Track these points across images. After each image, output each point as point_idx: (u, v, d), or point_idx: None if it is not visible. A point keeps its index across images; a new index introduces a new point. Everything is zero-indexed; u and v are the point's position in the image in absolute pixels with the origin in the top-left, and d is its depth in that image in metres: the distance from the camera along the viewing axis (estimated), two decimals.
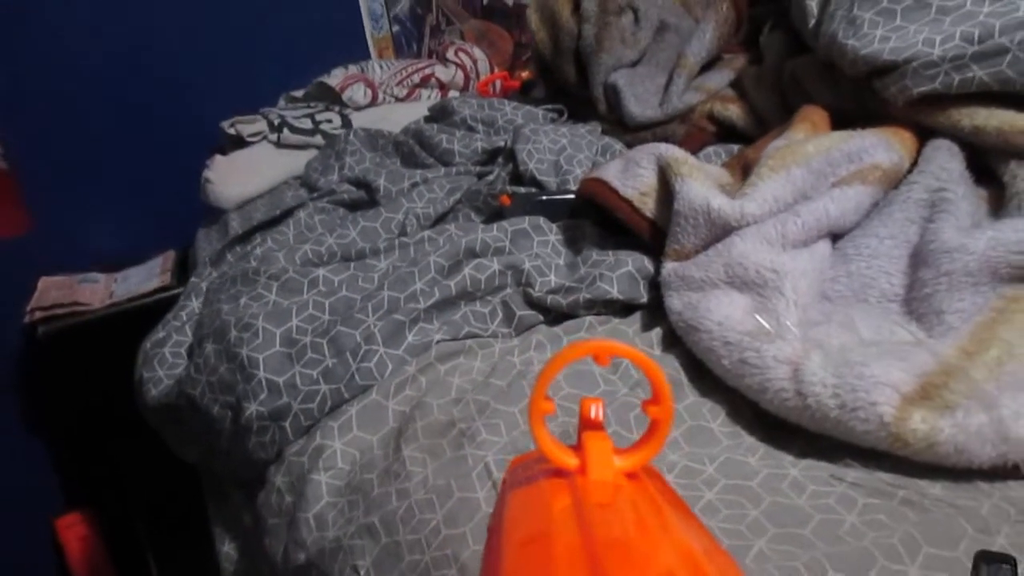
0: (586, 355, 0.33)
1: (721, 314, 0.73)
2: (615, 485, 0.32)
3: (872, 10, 0.98)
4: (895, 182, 0.85)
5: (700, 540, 0.28)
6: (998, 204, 0.83)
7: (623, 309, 0.88)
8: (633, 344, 0.81)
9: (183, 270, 1.64)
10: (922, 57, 0.88)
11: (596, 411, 0.35)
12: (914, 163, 0.88)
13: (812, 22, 1.12)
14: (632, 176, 0.90)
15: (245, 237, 1.24)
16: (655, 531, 0.28)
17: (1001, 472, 0.57)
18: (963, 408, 0.57)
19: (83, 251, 1.71)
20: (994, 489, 0.57)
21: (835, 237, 0.84)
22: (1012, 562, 0.45)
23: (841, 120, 1.05)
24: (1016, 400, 0.57)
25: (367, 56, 1.91)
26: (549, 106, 1.48)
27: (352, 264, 0.98)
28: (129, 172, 1.74)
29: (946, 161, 0.83)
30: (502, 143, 1.32)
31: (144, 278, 1.61)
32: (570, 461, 0.33)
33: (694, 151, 1.23)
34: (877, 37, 0.95)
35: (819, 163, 0.84)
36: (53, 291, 1.59)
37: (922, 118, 0.91)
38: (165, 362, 1.02)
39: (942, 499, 0.56)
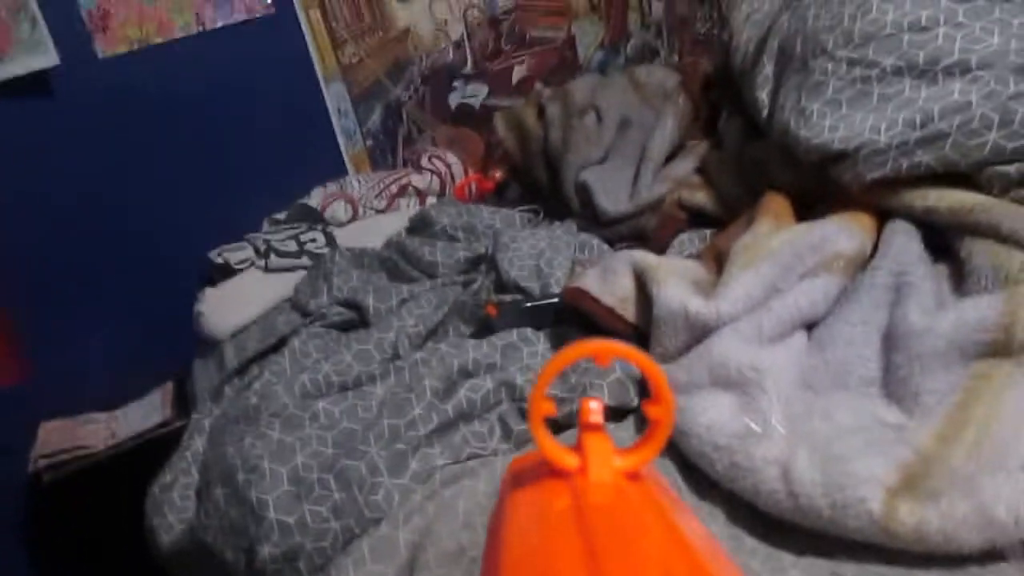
0: (587, 355, 0.34)
1: (709, 417, 0.76)
2: (615, 486, 0.32)
3: (819, 101, 1.03)
4: (860, 266, 0.89)
5: (701, 540, 0.29)
6: (959, 278, 0.87)
7: (616, 415, 0.90)
8: None
9: (182, 401, 1.66)
10: (870, 145, 0.94)
11: (596, 412, 0.36)
12: (876, 244, 0.92)
13: (765, 112, 1.18)
14: (610, 283, 0.94)
15: (241, 370, 1.27)
16: (655, 531, 0.29)
17: (991, 556, 0.60)
18: (947, 497, 0.60)
19: (81, 391, 1.73)
20: (986, 572, 0.59)
21: (809, 326, 0.87)
22: None
23: (805, 199, 1.10)
24: (995, 482, 0.60)
25: (345, 172, 1.97)
26: (525, 207, 1.53)
27: (350, 393, 1.01)
28: (121, 310, 1.78)
29: (905, 244, 0.87)
30: (483, 250, 1.37)
31: (145, 414, 1.62)
32: (570, 462, 0.33)
33: (668, 239, 1.29)
34: (827, 127, 1.00)
35: (785, 257, 0.88)
36: (55, 436, 1.60)
37: (878, 200, 0.96)
38: (174, 507, 1.04)
39: None
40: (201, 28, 1.73)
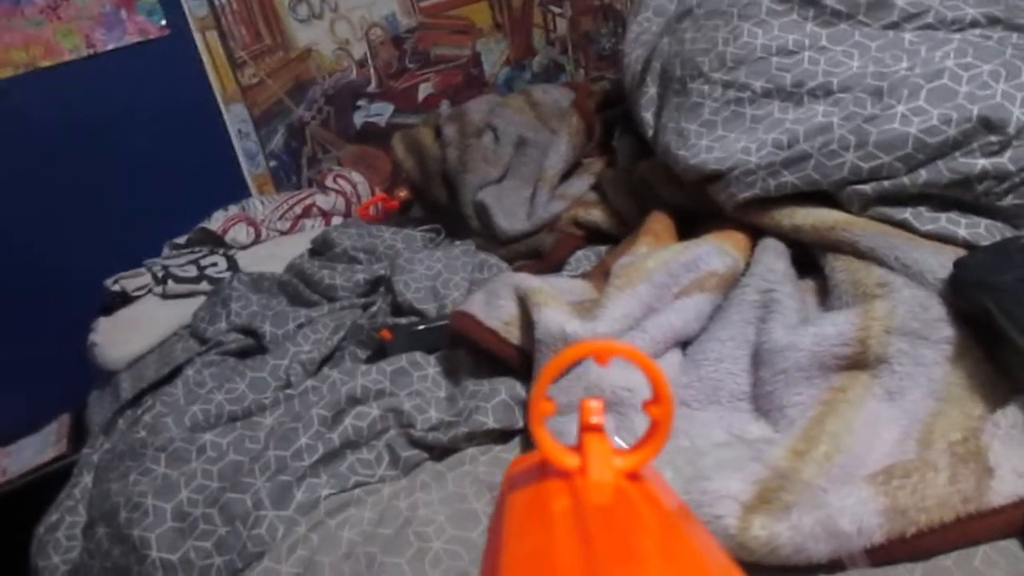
0: (587, 356, 0.34)
1: None
2: (615, 486, 0.32)
3: (696, 122, 1.07)
4: (732, 284, 0.92)
5: (701, 540, 0.29)
6: (823, 294, 0.90)
7: (502, 436, 0.91)
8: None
9: (79, 434, 1.62)
10: (742, 166, 0.97)
11: (596, 413, 0.36)
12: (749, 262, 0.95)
13: (651, 132, 1.21)
14: (495, 307, 0.95)
15: (136, 400, 1.24)
16: (655, 531, 0.29)
17: (839, 565, 0.62)
18: (797, 510, 0.62)
19: None
20: None
21: (684, 344, 0.90)
22: None
23: (689, 217, 1.13)
24: (841, 494, 0.63)
25: (247, 194, 1.95)
26: (426, 227, 1.53)
27: (239, 424, 1.00)
28: (12, 341, 1.72)
29: (772, 262, 0.90)
30: (382, 271, 1.37)
31: (38, 449, 1.57)
32: (570, 462, 0.33)
33: (565, 256, 1.31)
34: (703, 147, 1.03)
35: (661, 277, 0.90)
36: None
37: (751, 219, 0.99)
38: (60, 547, 1.01)
39: None
40: (92, 51, 1.69)
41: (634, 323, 0.87)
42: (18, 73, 1.62)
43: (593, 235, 1.35)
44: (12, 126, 1.65)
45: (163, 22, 1.77)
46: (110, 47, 1.71)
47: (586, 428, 0.35)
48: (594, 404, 0.36)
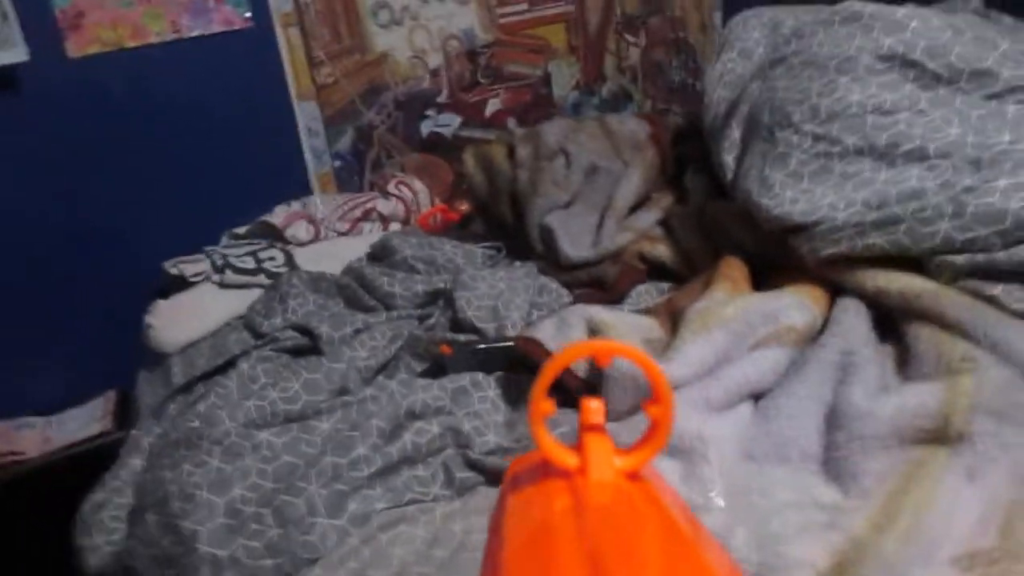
0: (588, 355, 0.34)
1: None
2: (615, 486, 0.32)
3: (783, 171, 1.05)
4: (809, 340, 0.91)
5: (702, 540, 0.29)
6: (903, 361, 0.89)
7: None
8: None
9: (125, 412, 1.63)
10: (828, 221, 0.96)
11: (596, 412, 0.36)
12: (827, 319, 0.94)
13: (730, 175, 1.20)
14: (564, 337, 0.95)
15: (187, 387, 1.25)
16: (656, 531, 0.29)
17: None
18: None
19: (19, 394, 1.69)
20: None
21: (756, 397, 0.88)
22: None
23: (762, 264, 1.11)
24: (922, 574, 0.61)
25: (309, 192, 1.97)
26: (487, 244, 1.53)
27: (295, 425, 1.00)
28: (68, 313, 1.75)
29: (853, 322, 0.89)
30: (442, 284, 1.37)
31: (84, 422, 1.59)
32: (571, 462, 0.33)
33: (626, 289, 1.30)
34: (788, 199, 1.02)
35: (738, 325, 0.89)
36: None
37: (833, 275, 0.98)
38: (104, 529, 1.01)
39: None
40: (176, 35, 1.72)
41: (708, 369, 0.86)
42: (104, 51, 1.64)
43: (656, 270, 1.34)
44: (92, 104, 1.67)
45: (248, 14, 1.79)
46: (194, 33, 1.73)
47: (586, 428, 0.35)
48: (594, 404, 0.36)
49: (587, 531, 0.28)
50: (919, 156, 0.95)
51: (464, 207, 1.84)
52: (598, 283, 1.36)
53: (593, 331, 0.92)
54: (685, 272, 1.29)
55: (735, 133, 1.21)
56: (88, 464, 1.25)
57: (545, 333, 0.97)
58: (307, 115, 1.93)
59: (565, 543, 0.27)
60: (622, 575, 0.25)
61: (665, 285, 1.30)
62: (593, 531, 0.28)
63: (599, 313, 0.93)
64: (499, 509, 0.35)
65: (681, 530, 0.29)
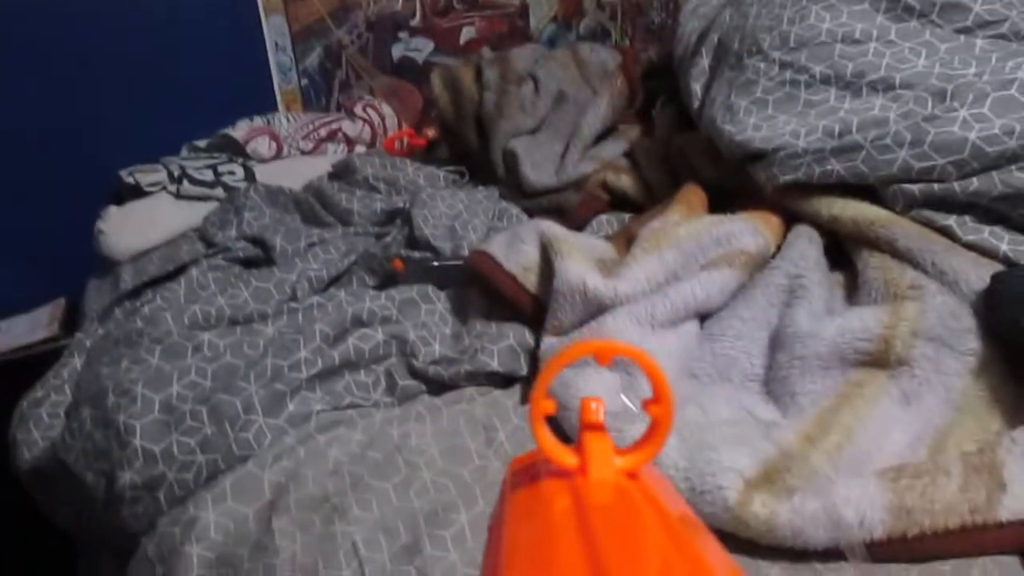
0: (588, 354, 0.33)
1: (589, 392, 0.76)
2: (616, 485, 0.32)
3: (747, 98, 1.04)
4: (760, 265, 0.90)
5: (703, 540, 0.28)
6: (852, 288, 0.88)
7: (504, 381, 0.90)
8: (510, 418, 0.83)
9: (73, 320, 1.60)
10: (788, 148, 0.95)
11: (596, 411, 0.35)
12: (780, 246, 0.93)
13: (696, 104, 1.19)
14: (516, 251, 0.93)
15: (135, 292, 1.22)
16: (657, 530, 0.28)
17: (835, 554, 0.61)
18: (800, 493, 0.61)
19: None
20: (828, 570, 0.61)
21: (703, 317, 0.88)
22: None
23: (722, 194, 1.11)
24: (848, 486, 0.61)
25: (275, 108, 1.92)
26: (451, 167, 1.51)
27: (239, 328, 0.98)
28: (17, 216, 1.70)
29: (805, 248, 0.88)
30: (402, 204, 1.34)
31: (29, 328, 1.56)
32: (570, 461, 0.32)
33: (587, 218, 1.28)
34: (751, 125, 1.01)
35: (689, 246, 0.88)
36: None
37: (788, 203, 0.97)
38: (41, 423, 1.00)
39: None
40: None
41: (656, 287, 0.86)
42: None
43: (618, 202, 1.33)
44: (53, 5, 1.61)
45: None
46: None
47: (586, 427, 0.34)
48: (594, 404, 0.35)
49: (587, 531, 0.27)
50: (885, 86, 0.94)
51: (431, 133, 1.81)
52: (560, 211, 1.34)
53: (545, 244, 0.91)
54: (647, 203, 1.27)
55: (704, 61, 1.19)
56: (32, 369, 1.22)
57: (497, 247, 0.96)
58: (275, 29, 1.88)
59: (565, 543, 0.27)
60: (622, 575, 0.24)
61: (627, 216, 1.29)
62: (593, 531, 0.27)
63: (552, 228, 0.92)
64: (499, 508, 0.34)
65: (681, 530, 0.29)
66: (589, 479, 0.32)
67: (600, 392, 0.76)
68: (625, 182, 1.31)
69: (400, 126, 1.88)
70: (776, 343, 0.80)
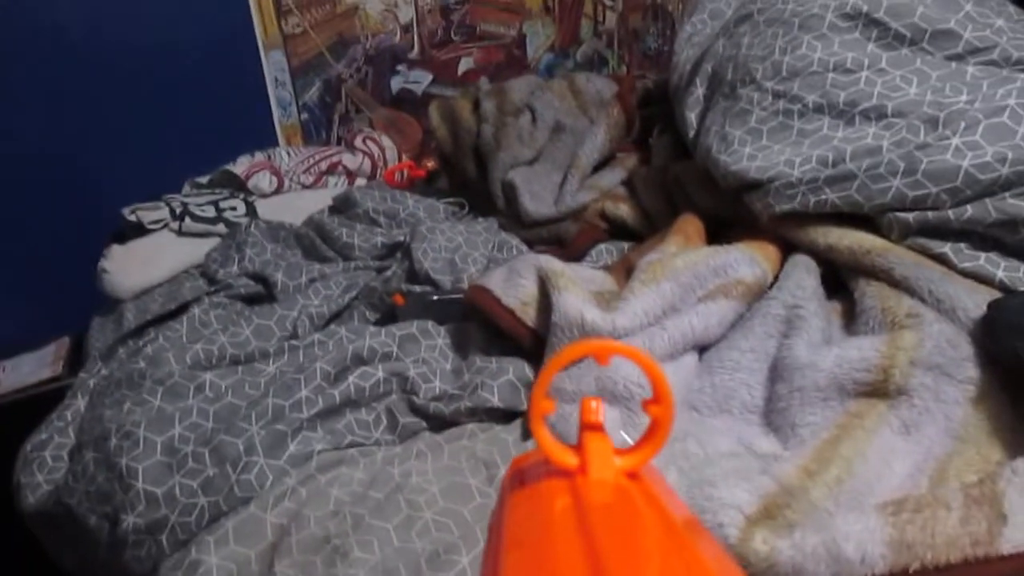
0: (588, 355, 0.34)
1: None
2: (616, 485, 0.32)
3: (742, 128, 1.05)
4: (758, 295, 0.91)
5: (703, 541, 0.28)
6: (850, 317, 0.89)
7: (505, 416, 0.90)
8: (511, 453, 0.83)
9: (78, 358, 1.60)
10: (782, 178, 0.95)
11: (596, 411, 0.35)
12: (777, 275, 0.94)
13: (692, 133, 1.19)
14: (514, 286, 0.94)
15: (139, 331, 1.23)
16: (657, 530, 0.28)
17: None
18: (800, 529, 0.61)
19: None
20: None
21: (701, 349, 0.88)
22: None
23: (719, 223, 1.11)
24: (849, 520, 0.61)
25: (275, 143, 1.93)
26: (451, 199, 1.51)
27: (240, 368, 0.99)
28: (23, 255, 1.71)
29: (803, 278, 0.88)
30: (402, 237, 1.35)
31: (35, 367, 1.56)
32: (570, 461, 0.32)
33: (586, 247, 1.29)
34: (745, 155, 1.01)
35: (687, 278, 0.89)
36: None
37: (785, 232, 0.98)
38: (45, 466, 1.00)
39: None
40: None
41: (654, 320, 0.86)
42: None
43: (617, 231, 1.33)
44: (54, 42, 1.63)
45: None
46: None
47: (586, 427, 0.35)
48: (594, 403, 0.35)
49: (588, 531, 0.27)
50: (877, 114, 0.94)
51: (431, 164, 1.82)
52: (559, 241, 1.35)
53: (543, 279, 0.91)
54: (646, 232, 1.28)
55: (699, 90, 1.20)
56: (37, 409, 1.23)
57: (495, 282, 0.96)
58: (274, 65, 1.89)
59: (565, 542, 0.27)
60: (622, 575, 0.24)
61: (626, 245, 1.29)
62: (593, 530, 0.27)
63: (549, 262, 0.93)
64: (498, 509, 0.34)
65: (681, 530, 0.29)
66: (589, 479, 0.32)
67: None
68: (624, 211, 1.32)
69: (400, 158, 1.89)
70: (775, 374, 0.80)
